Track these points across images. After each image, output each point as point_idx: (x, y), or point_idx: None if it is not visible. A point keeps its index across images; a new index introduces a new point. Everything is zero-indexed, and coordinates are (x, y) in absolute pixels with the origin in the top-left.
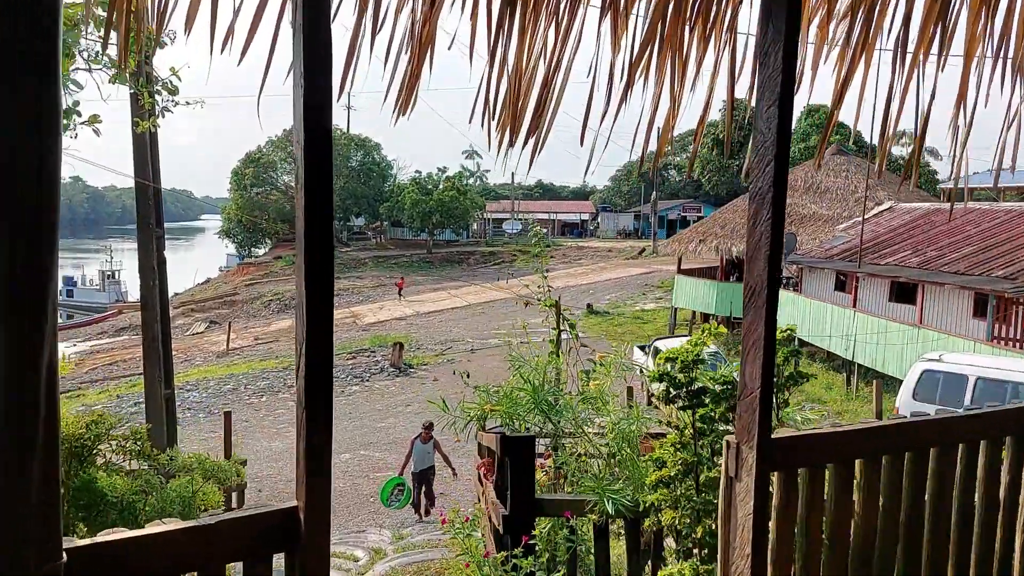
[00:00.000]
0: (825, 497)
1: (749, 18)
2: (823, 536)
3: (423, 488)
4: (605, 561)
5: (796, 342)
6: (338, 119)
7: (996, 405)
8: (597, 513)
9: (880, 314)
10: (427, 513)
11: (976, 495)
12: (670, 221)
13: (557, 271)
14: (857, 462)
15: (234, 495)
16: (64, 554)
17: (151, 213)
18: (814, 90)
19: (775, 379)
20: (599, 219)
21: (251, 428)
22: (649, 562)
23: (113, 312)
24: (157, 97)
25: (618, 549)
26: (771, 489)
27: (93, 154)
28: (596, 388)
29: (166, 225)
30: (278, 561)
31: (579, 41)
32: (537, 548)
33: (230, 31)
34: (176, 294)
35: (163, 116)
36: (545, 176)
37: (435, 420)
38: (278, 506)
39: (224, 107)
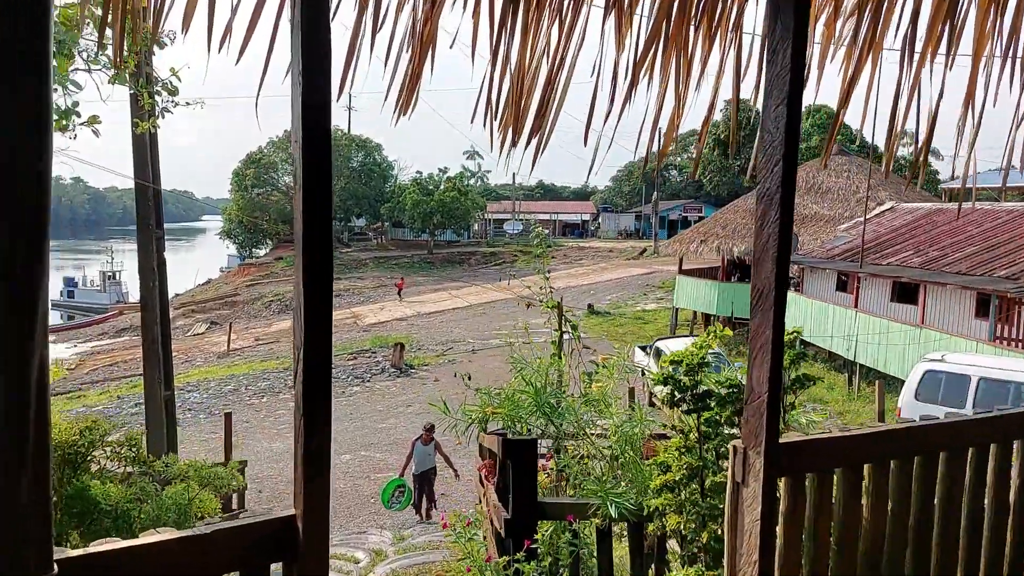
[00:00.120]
0: (833, 502)
1: (755, 16)
2: (831, 541)
3: (424, 490)
4: (608, 565)
5: (798, 344)
6: (339, 120)
7: (1005, 408)
8: (600, 517)
9: (882, 314)
10: (428, 515)
11: (986, 499)
12: (671, 221)
13: (558, 271)
14: (866, 466)
15: (234, 497)
16: (55, 565)
17: (151, 214)
18: (818, 89)
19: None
20: (600, 219)
21: (252, 429)
22: (653, 565)
23: (114, 313)
24: (157, 98)
25: (620, 550)
26: (778, 494)
27: (93, 155)
28: (599, 390)
29: (167, 226)
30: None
31: (583, 40)
32: (539, 552)
33: (228, 30)
34: (177, 295)
35: (163, 117)
36: (546, 176)
37: (436, 422)
38: (275, 514)
39: (225, 108)
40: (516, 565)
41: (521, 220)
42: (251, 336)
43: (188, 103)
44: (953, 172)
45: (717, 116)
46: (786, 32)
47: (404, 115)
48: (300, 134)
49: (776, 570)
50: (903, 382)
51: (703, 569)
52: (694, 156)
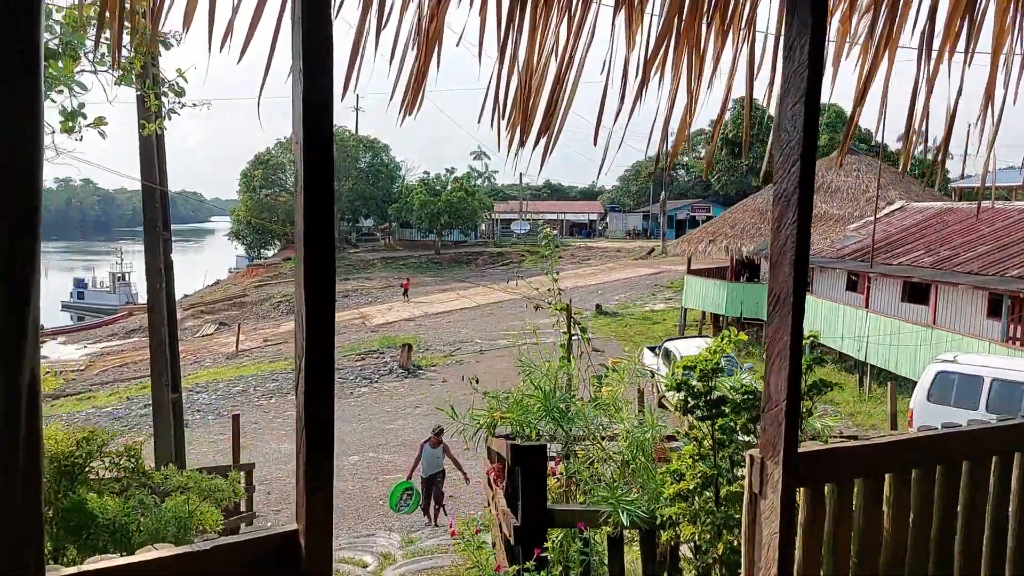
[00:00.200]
0: (853, 512)
1: (768, 13)
2: (851, 553)
3: (432, 493)
4: (620, 574)
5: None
6: (347, 120)
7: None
8: (611, 524)
9: (892, 314)
10: (436, 518)
11: (1010, 508)
12: (679, 221)
13: (566, 271)
14: (886, 476)
15: (243, 500)
16: None
17: (158, 216)
18: (833, 87)
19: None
20: (608, 219)
21: (260, 430)
22: (665, 574)
23: (124, 314)
24: (163, 99)
25: (631, 555)
26: (796, 503)
27: (103, 156)
28: (609, 394)
29: (176, 227)
30: None
31: (592, 37)
32: (549, 560)
33: (229, 28)
34: (186, 296)
35: (169, 118)
36: (553, 176)
37: (444, 426)
38: (276, 530)
39: (235, 109)
40: (526, 575)
41: (528, 220)
42: (259, 337)
43: (195, 104)
44: (963, 171)
45: (725, 115)
46: (804, 28)
47: (410, 115)
48: (301, 134)
49: None
50: (915, 383)
51: None
52: (703, 155)
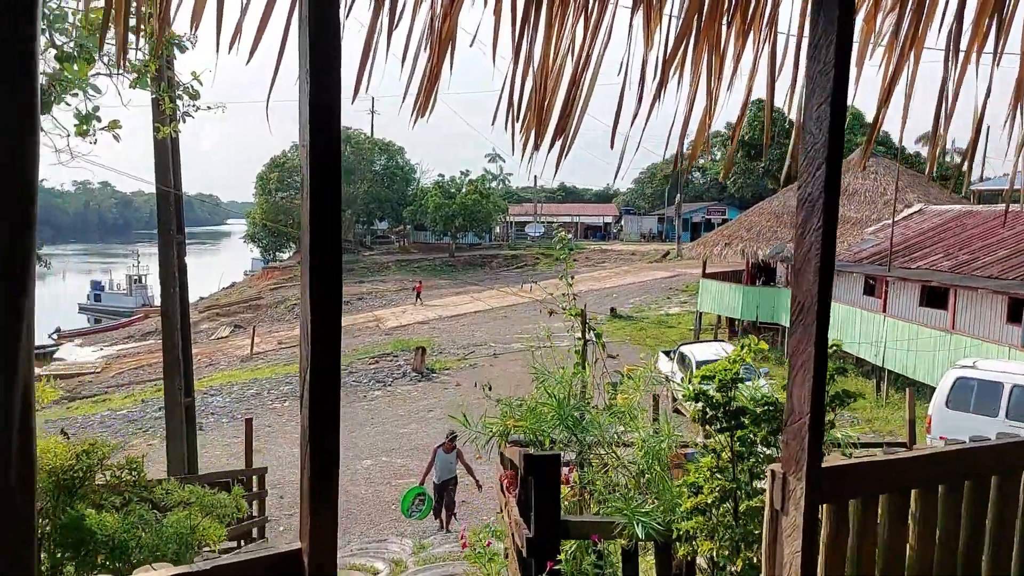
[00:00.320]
0: (878, 529)
1: (791, 12)
2: (876, 571)
3: (444, 499)
4: None
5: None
6: (363, 123)
7: None
8: (626, 536)
9: (910, 319)
10: (448, 525)
11: None
12: (694, 224)
13: (580, 274)
14: (912, 492)
15: (255, 503)
16: None
17: (172, 219)
18: (856, 88)
19: None
20: (622, 222)
21: (274, 433)
22: None
23: (140, 316)
24: (178, 102)
25: (645, 564)
26: (819, 518)
27: (120, 159)
28: (624, 402)
29: (192, 229)
30: None
31: (609, 37)
32: (563, 572)
33: (238, 29)
34: (201, 298)
35: (183, 121)
36: (568, 179)
37: (457, 432)
38: (279, 548)
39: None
40: None
41: (543, 223)
42: (274, 340)
43: (209, 107)
44: (982, 173)
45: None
46: (830, 26)
47: (422, 117)
48: (308, 136)
49: None
50: (933, 389)
51: None
52: (718, 158)
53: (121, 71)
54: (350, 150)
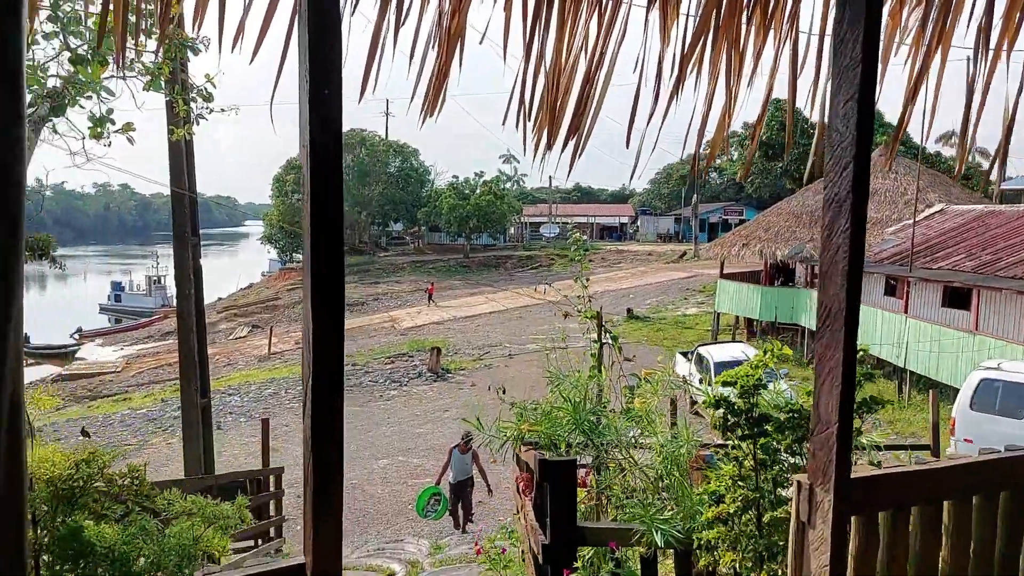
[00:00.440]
0: (909, 541)
1: (813, 7)
2: None
3: (460, 500)
4: None
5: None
6: (377, 125)
7: None
8: (644, 544)
9: (932, 320)
10: (464, 527)
11: None
12: (711, 224)
13: (596, 275)
14: (945, 503)
15: (271, 503)
16: None
17: (187, 221)
18: (881, 85)
19: None
20: (638, 222)
21: (291, 432)
22: None
23: (159, 316)
24: (192, 104)
25: (664, 570)
26: (847, 531)
27: (138, 161)
28: (641, 407)
29: (210, 231)
30: None
31: (624, 33)
32: None
33: (240, 28)
34: (220, 299)
35: (197, 124)
36: (583, 179)
37: (472, 433)
38: (282, 563)
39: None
40: None
41: (558, 223)
42: (291, 340)
43: (223, 109)
44: (1003, 172)
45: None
46: (856, 20)
47: (431, 116)
48: (308, 136)
49: None
50: (956, 390)
51: None
52: (735, 158)
53: (122, 72)
54: (365, 152)
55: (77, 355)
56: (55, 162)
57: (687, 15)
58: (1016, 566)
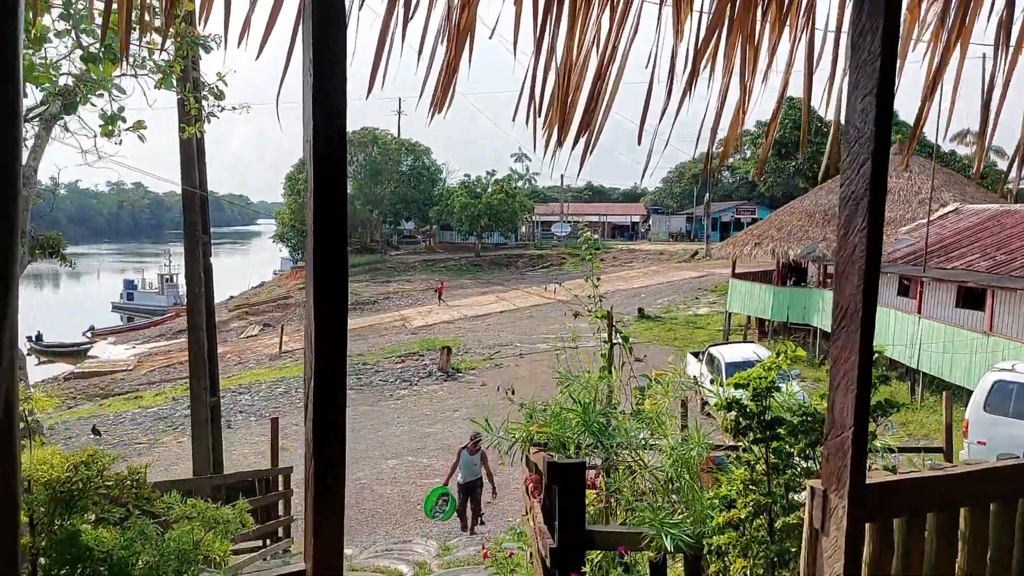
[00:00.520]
0: (925, 548)
1: (829, 1)
2: None
3: (468, 501)
4: None
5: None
6: (389, 124)
7: None
8: (654, 548)
9: (946, 320)
10: (473, 528)
11: None
12: (723, 223)
13: (607, 274)
14: (962, 510)
15: (280, 503)
16: None
17: (197, 219)
18: (899, 81)
19: None
20: (650, 221)
21: (301, 432)
22: None
23: (171, 315)
24: (203, 103)
25: (675, 572)
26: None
27: (150, 159)
28: (652, 407)
29: (223, 230)
30: None
31: (636, 28)
32: None
33: (246, 25)
34: (231, 297)
35: (208, 122)
36: (595, 178)
37: (481, 434)
38: (282, 569)
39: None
40: None
41: (569, 222)
42: (303, 339)
43: (234, 108)
44: (1021, 173)
45: (765, 115)
46: (876, 12)
47: (439, 112)
48: (311, 132)
49: None
50: (969, 392)
51: None
52: (748, 156)
53: (133, 71)
54: (377, 151)
55: (89, 353)
56: (69, 160)
57: (700, 11)
58: None
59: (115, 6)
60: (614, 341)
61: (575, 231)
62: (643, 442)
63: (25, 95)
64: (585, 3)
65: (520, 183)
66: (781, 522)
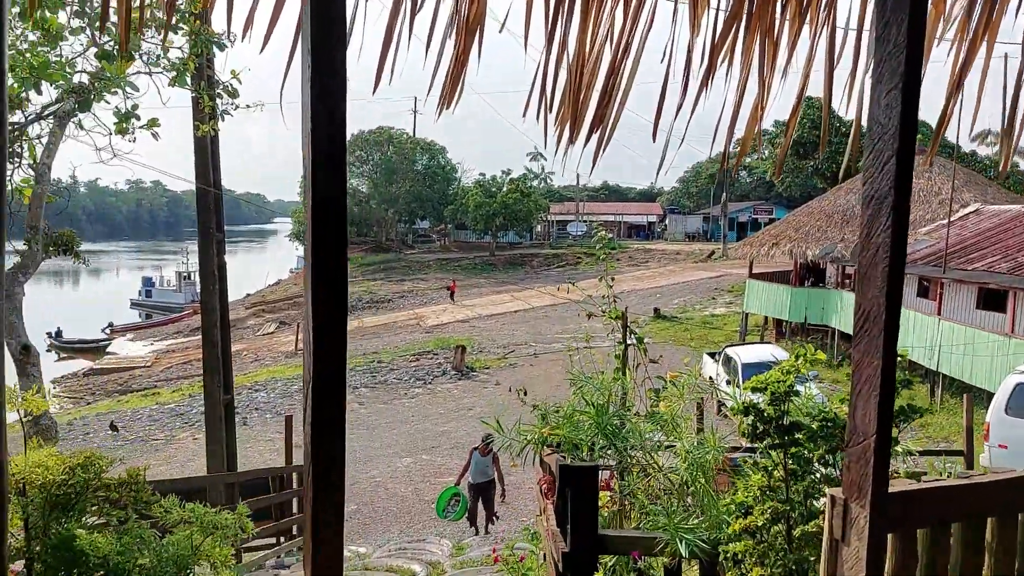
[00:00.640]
0: (950, 560)
1: None
2: None
3: (480, 502)
4: None
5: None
6: (404, 123)
7: None
8: (668, 554)
9: (967, 322)
10: (486, 529)
11: None
12: (740, 223)
13: (623, 274)
14: (989, 520)
15: (294, 502)
16: None
17: (211, 217)
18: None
19: None
20: (667, 221)
21: None
22: None
23: (189, 312)
24: (217, 101)
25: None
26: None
27: (167, 157)
28: (667, 410)
29: (240, 228)
30: None
31: (651, 22)
32: None
33: (250, 20)
34: (248, 295)
35: (222, 119)
36: (611, 177)
37: (493, 435)
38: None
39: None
40: None
41: (585, 221)
42: None
43: (248, 106)
44: None
45: (783, 114)
46: (901, 4)
47: (448, 107)
48: (310, 125)
49: None
50: (990, 394)
51: None
52: (766, 155)
53: (123, 56)
54: (393, 150)
55: (108, 350)
56: (85, 158)
57: (717, 5)
58: None
59: (114, 5)
60: (629, 342)
61: (590, 230)
62: (658, 444)
63: (40, 92)
64: None
65: (535, 182)
66: (800, 530)
